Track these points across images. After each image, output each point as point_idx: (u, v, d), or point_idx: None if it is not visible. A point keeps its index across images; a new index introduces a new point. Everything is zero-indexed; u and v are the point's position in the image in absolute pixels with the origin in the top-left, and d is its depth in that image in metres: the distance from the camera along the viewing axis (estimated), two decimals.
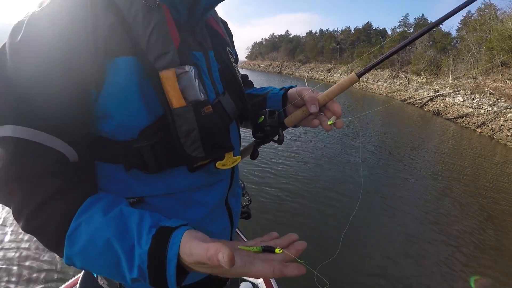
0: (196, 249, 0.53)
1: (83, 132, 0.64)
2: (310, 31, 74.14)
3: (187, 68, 0.66)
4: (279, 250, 0.62)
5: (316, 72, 53.50)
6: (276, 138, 0.99)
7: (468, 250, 4.69)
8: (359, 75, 0.86)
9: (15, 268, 3.43)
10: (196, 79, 0.68)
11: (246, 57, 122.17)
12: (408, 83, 29.81)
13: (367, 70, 0.86)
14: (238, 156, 0.80)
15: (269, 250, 0.62)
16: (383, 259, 4.26)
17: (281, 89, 1.06)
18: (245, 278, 2.34)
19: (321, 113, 0.94)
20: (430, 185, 7.46)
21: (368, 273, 3.94)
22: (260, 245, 0.64)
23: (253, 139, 1.04)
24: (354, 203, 5.81)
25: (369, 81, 34.55)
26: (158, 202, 0.74)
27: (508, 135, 13.97)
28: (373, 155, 9.27)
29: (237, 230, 2.68)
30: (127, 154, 0.67)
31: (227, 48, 0.90)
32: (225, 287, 1.08)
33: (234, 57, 0.95)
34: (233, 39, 1.06)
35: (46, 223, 0.59)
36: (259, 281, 2.41)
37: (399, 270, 4.09)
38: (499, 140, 13.84)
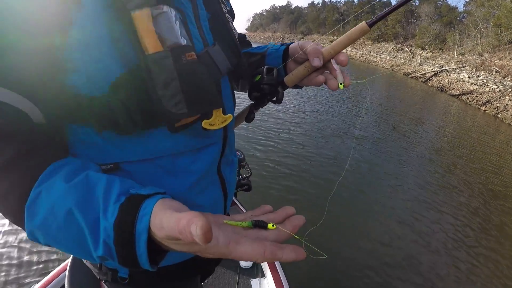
0: (167, 220, 0.44)
1: (48, 88, 0.54)
2: (312, 2, 74.93)
3: (165, 8, 0.57)
4: (273, 226, 0.53)
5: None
6: (275, 98, 0.92)
7: (467, 229, 4.75)
8: (370, 24, 0.77)
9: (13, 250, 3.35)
10: (177, 22, 0.59)
11: (246, 29, 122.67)
12: (413, 57, 29.58)
13: (379, 19, 0.77)
14: (230, 115, 0.69)
15: (261, 225, 0.54)
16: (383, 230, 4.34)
17: (282, 44, 0.98)
18: None
19: (327, 71, 0.85)
20: (433, 160, 7.49)
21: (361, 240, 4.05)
22: (250, 220, 0.55)
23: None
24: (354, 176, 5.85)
25: (372, 54, 34.29)
26: (136, 169, 0.66)
27: None
28: (376, 128, 9.19)
29: (236, 202, 2.66)
30: (97, 112, 0.57)
31: None
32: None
33: (228, 8, 0.86)
34: None
35: (3, 192, 0.52)
36: None
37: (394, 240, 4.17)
38: (504, 120, 13.83)
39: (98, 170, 0.60)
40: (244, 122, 1.03)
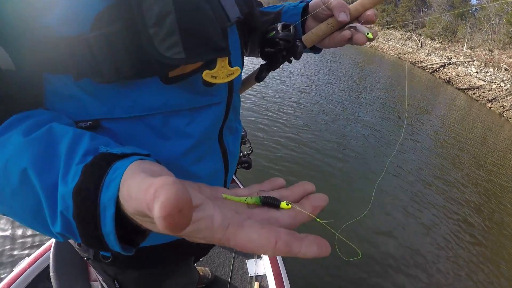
0: (135, 189, 0.31)
1: (19, 29, 0.45)
2: None
3: None
4: (287, 205, 0.41)
5: None
6: (293, 57, 0.82)
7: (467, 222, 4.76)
8: None
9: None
10: None
11: None
12: (421, 46, 29.15)
13: None
14: (237, 68, 0.57)
15: (272, 203, 0.41)
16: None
17: (301, 1, 0.87)
18: None
19: (357, 24, 0.75)
20: (437, 152, 7.43)
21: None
22: (257, 195, 0.43)
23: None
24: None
25: (380, 40, 33.66)
26: (120, 129, 0.56)
27: None
28: (381, 115, 9.03)
29: (236, 180, 2.57)
30: (76, 55, 0.47)
31: None
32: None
33: None
34: None
35: None
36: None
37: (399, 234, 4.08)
38: (509, 119, 13.87)
39: (69, 123, 0.50)
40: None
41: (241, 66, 0.71)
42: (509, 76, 17.75)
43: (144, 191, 0.28)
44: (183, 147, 0.62)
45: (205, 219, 0.33)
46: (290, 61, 0.85)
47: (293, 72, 11.33)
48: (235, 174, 2.53)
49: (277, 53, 0.81)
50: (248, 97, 7.27)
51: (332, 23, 0.76)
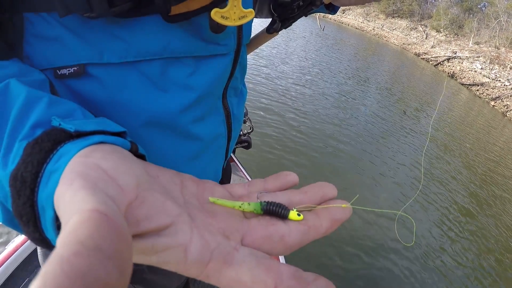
0: (63, 205, 0.23)
1: None
2: None
3: None
4: (298, 215, 0.31)
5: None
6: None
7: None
8: None
9: None
10: None
11: None
12: (426, 37, 28.83)
13: None
14: (251, 10, 0.48)
15: (277, 212, 0.31)
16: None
17: None
18: None
19: None
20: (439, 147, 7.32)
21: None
22: (258, 200, 0.34)
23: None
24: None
25: (384, 28, 33.31)
26: (109, 76, 0.46)
27: None
28: (384, 107, 8.84)
29: (235, 159, 2.47)
30: None
31: None
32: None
33: None
34: None
35: None
36: None
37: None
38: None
39: (41, 81, 0.40)
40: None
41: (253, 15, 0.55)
42: None
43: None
44: (183, 102, 0.53)
45: (174, 249, 0.26)
46: (306, 14, 0.77)
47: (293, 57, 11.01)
48: (234, 152, 2.45)
49: (292, 2, 0.71)
50: (252, 76, 6.92)
51: None
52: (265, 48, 9.73)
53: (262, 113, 5.73)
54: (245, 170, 2.47)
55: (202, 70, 0.55)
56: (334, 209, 0.32)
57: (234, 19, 0.47)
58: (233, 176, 2.27)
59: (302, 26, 18.36)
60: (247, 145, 2.27)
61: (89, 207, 0.20)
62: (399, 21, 33.86)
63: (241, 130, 2.24)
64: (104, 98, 0.46)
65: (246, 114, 2.26)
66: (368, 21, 36.18)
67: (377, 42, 27.34)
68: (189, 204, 0.31)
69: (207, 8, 0.46)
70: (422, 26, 31.47)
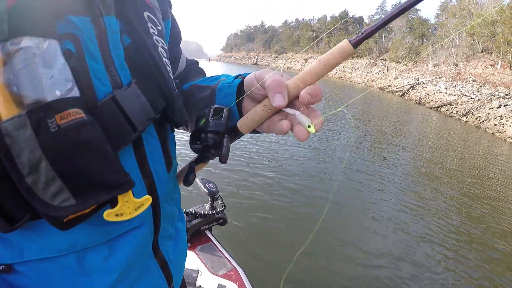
0: None
1: None
2: (286, 21, 76.69)
3: (24, 43, 0.39)
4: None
5: (293, 63, 53.48)
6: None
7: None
8: (355, 43, 0.56)
9: None
10: (60, 59, 0.42)
11: (221, 50, 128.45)
12: (387, 71, 29.77)
13: (368, 35, 0.56)
14: (147, 197, 0.53)
15: None
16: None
17: (237, 76, 0.75)
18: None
19: (296, 113, 0.61)
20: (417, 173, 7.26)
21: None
22: None
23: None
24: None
25: (346, 70, 34.38)
26: (35, 271, 0.51)
27: (495, 124, 13.73)
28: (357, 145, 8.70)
29: (212, 238, 2.38)
30: None
31: (146, 14, 0.62)
32: None
33: (160, 28, 0.65)
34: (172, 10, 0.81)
35: None
36: None
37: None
38: (487, 130, 13.68)
39: None
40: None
41: (166, 172, 0.67)
42: (478, 86, 17.70)
43: None
44: (107, 282, 0.55)
45: None
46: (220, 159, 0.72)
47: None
48: (210, 231, 2.40)
49: (204, 151, 0.70)
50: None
51: (269, 106, 0.63)
52: None
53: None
54: (223, 248, 2.32)
55: (118, 250, 0.56)
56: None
57: (129, 213, 0.49)
58: (211, 258, 2.19)
59: None
60: (223, 221, 2.31)
61: None
62: (359, 60, 35.02)
63: (215, 208, 2.29)
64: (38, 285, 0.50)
65: (216, 192, 2.25)
66: None
67: (342, 85, 27.96)
68: None
69: (98, 209, 0.47)
70: (382, 61, 32.59)
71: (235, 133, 0.70)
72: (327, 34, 55.37)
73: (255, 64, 68.87)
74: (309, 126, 0.58)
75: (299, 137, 0.58)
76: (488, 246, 4.41)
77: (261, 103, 0.65)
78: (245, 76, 0.73)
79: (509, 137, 12.14)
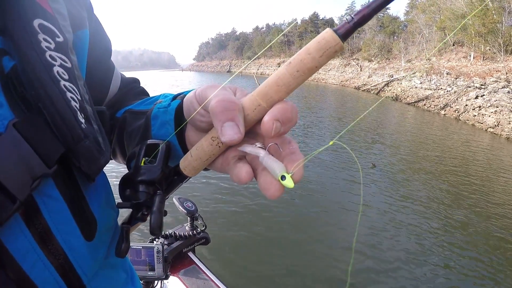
0: None
1: None
2: (257, 27, 77.68)
3: None
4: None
5: (266, 68, 53.40)
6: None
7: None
8: (344, 34, 0.36)
9: None
10: None
11: (194, 59, 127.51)
12: (361, 70, 29.64)
13: (362, 21, 0.36)
14: None
15: None
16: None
17: (176, 96, 0.58)
18: None
19: (261, 153, 0.41)
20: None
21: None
22: None
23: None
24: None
25: (320, 71, 34.03)
26: None
27: (475, 115, 13.47)
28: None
29: (195, 260, 2.28)
30: None
31: (37, 22, 0.41)
32: None
33: (59, 40, 0.43)
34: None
35: None
36: None
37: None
38: (466, 121, 13.45)
39: None
40: None
41: (93, 224, 0.48)
42: (453, 79, 17.49)
43: None
44: None
45: None
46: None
47: None
48: (193, 252, 2.31)
49: (134, 211, 0.50)
50: None
51: (219, 139, 0.42)
52: None
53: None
54: (208, 269, 2.18)
55: None
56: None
57: None
58: (196, 282, 2.08)
59: (241, 84, 18.26)
60: (205, 240, 2.24)
61: None
62: (332, 61, 34.83)
63: (195, 228, 2.21)
64: None
65: (195, 211, 2.19)
66: None
67: (316, 86, 27.68)
68: None
69: None
70: (355, 60, 32.44)
71: (178, 177, 0.55)
72: (298, 37, 55.79)
73: (229, 71, 68.55)
74: (283, 177, 0.38)
75: (269, 194, 0.39)
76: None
77: (208, 134, 0.46)
78: (185, 96, 0.54)
79: (490, 127, 11.82)
